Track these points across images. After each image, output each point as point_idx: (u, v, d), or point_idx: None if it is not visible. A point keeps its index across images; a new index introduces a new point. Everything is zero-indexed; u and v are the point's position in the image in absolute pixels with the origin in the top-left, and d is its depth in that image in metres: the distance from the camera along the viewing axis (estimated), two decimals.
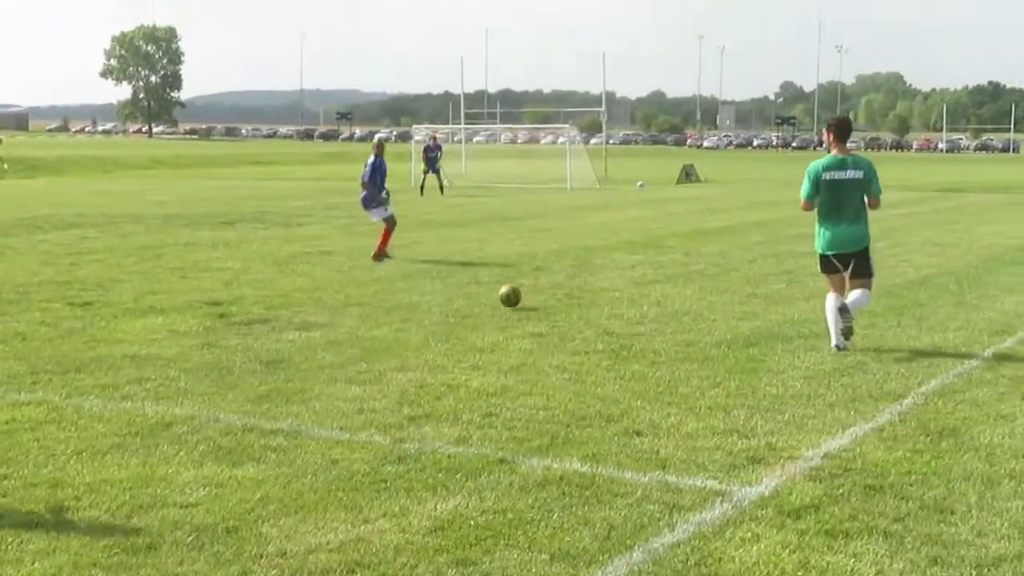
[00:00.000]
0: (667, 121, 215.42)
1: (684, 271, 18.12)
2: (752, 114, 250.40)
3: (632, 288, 15.96)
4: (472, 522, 6.43)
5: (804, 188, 11.66)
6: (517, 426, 8.46)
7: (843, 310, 11.32)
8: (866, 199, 11.69)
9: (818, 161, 11.76)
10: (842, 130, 11.80)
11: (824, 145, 12.04)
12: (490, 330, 12.48)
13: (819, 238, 11.69)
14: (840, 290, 11.58)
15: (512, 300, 13.86)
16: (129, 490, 6.91)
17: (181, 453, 7.70)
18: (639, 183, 50.44)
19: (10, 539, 6.10)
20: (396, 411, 8.89)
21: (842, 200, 11.53)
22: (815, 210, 11.73)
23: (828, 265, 11.65)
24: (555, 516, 6.54)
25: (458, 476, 7.23)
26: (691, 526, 6.43)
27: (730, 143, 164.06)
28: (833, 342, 11.47)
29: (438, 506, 6.69)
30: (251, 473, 7.28)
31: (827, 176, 11.52)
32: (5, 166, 53.26)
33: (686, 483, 7.18)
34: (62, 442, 7.95)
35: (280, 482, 7.10)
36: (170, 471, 7.31)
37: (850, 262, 11.59)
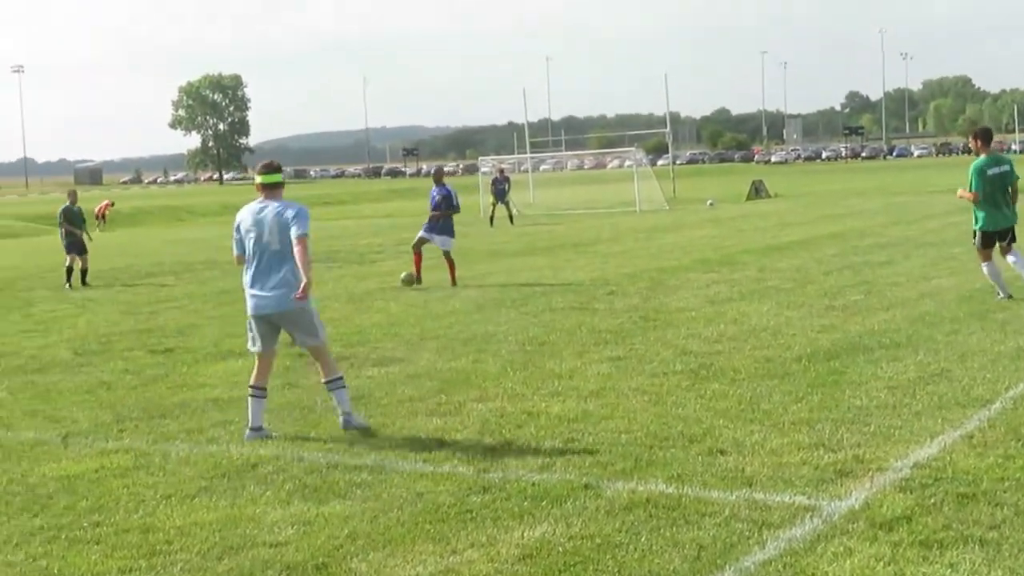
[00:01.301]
0: (733, 138, 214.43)
1: (759, 287, 17.99)
2: (819, 126, 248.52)
3: (708, 307, 15.87)
4: (560, 548, 6.41)
5: (974, 183, 14.79)
6: (600, 450, 8.43)
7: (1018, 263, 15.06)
8: (1009, 188, 15.02)
9: (979, 161, 14.90)
10: (987, 136, 15.26)
11: (973, 151, 15.45)
12: (567, 356, 12.47)
13: (982, 221, 14.91)
14: (992, 258, 14.99)
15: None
16: (219, 532, 6.98)
17: (268, 493, 7.77)
18: (709, 201, 50.25)
19: None
20: (478, 441, 8.90)
21: (997, 189, 14.89)
22: (972, 199, 14.90)
23: (989, 240, 14.95)
24: (643, 539, 6.50)
25: (544, 503, 7.22)
26: (782, 543, 6.36)
27: (798, 156, 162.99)
28: (1002, 295, 14.86)
29: (525, 534, 6.67)
30: (338, 509, 7.32)
31: (990, 172, 14.81)
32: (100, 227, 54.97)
33: (774, 499, 7.11)
34: (151, 487, 8.06)
35: (367, 517, 7.13)
36: (258, 511, 7.37)
37: (1006, 235, 15.03)
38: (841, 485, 7.34)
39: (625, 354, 12.42)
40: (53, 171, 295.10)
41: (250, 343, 9.61)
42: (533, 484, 7.62)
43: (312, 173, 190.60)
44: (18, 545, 6.93)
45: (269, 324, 9.51)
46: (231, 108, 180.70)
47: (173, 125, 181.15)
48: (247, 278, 9.48)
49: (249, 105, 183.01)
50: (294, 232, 9.20)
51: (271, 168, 9.67)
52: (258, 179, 9.62)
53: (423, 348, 13.49)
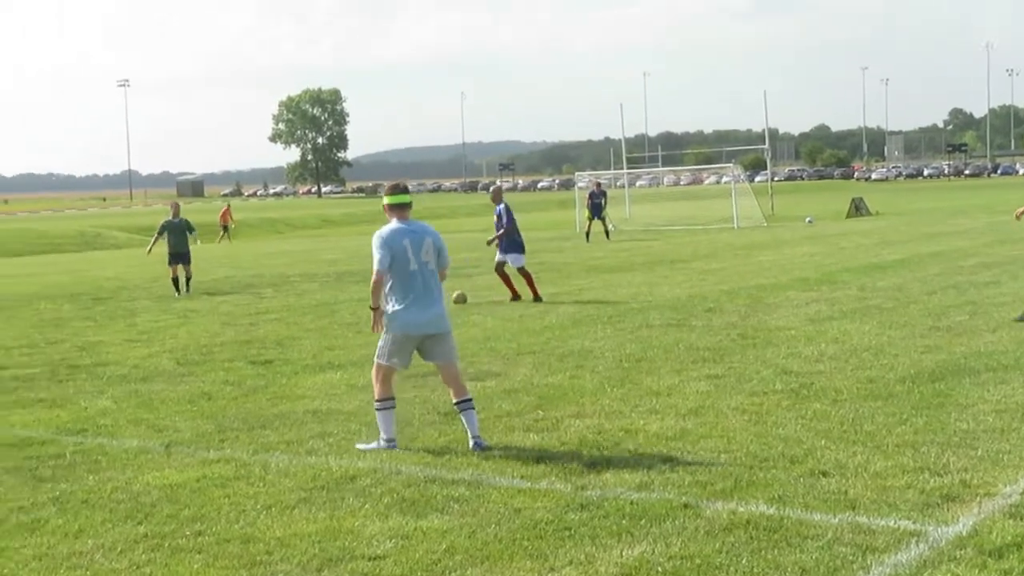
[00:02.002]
0: (833, 155, 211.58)
1: (861, 306, 17.71)
2: (921, 143, 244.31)
3: (808, 326, 15.66)
4: (659, 568, 6.34)
5: None
6: (699, 470, 8.34)
7: None
8: None
9: None
10: None
11: None
12: (665, 373, 12.37)
13: None
14: None
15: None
16: (318, 543, 7.02)
17: (367, 505, 7.80)
18: (808, 218, 49.67)
19: None
20: (575, 458, 8.85)
21: None
22: None
23: None
24: (744, 561, 6.41)
25: (642, 522, 7.15)
26: (886, 568, 6.22)
27: (899, 174, 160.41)
28: None
29: (624, 552, 6.61)
30: (436, 524, 7.32)
31: None
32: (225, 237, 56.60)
33: (878, 524, 6.96)
34: (251, 498, 8.13)
35: (465, 532, 7.12)
36: (357, 524, 7.40)
37: None
38: (948, 510, 7.18)
39: (724, 372, 12.30)
40: (156, 183, 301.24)
41: (387, 358, 9.56)
42: (631, 502, 7.56)
43: (409, 187, 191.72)
44: (122, 552, 7.04)
45: (416, 342, 9.56)
46: (330, 122, 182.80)
47: (273, 139, 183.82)
48: (400, 297, 9.43)
49: (348, 119, 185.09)
50: (444, 262, 9.65)
51: (403, 189, 9.89)
52: (390, 200, 9.74)
53: (519, 363, 13.48)
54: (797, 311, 17.38)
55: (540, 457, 8.92)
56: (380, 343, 9.60)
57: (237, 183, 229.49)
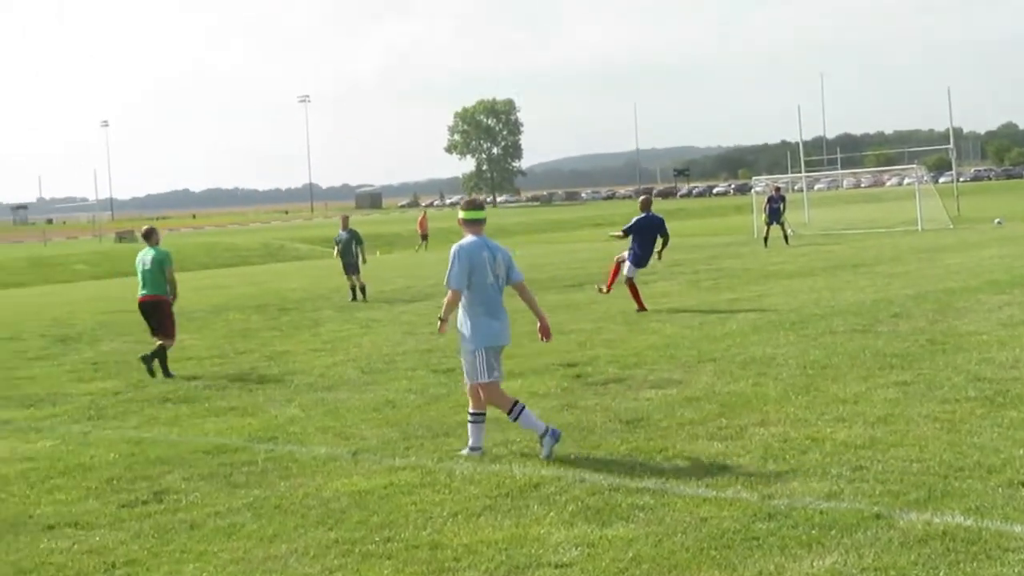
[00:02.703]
0: (1021, 153, 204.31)
1: None
2: None
3: (1001, 330, 15.11)
4: None
5: None
6: (890, 479, 8.11)
7: None
8: None
9: None
10: None
11: None
12: (851, 380, 12.09)
13: None
14: None
15: None
16: (505, 551, 7.05)
17: (551, 513, 7.81)
18: (996, 220, 48.00)
19: None
20: (761, 467, 8.72)
21: None
22: None
23: None
24: (942, 574, 6.21)
25: (832, 532, 6.99)
26: None
27: None
28: None
29: (814, 563, 6.48)
30: (621, 532, 7.28)
31: None
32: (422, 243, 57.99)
33: None
34: (437, 504, 8.23)
35: (651, 541, 7.07)
36: (542, 531, 7.42)
37: None
38: None
39: (913, 379, 11.95)
40: (336, 196, 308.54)
41: (488, 373, 9.80)
42: (821, 512, 7.40)
43: (583, 195, 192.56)
44: (315, 557, 7.20)
45: (498, 352, 9.91)
46: (504, 132, 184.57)
47: (449, 150, 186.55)
48: (482, 310, 9.81)
49: (522, 129, 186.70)
50: (516, 276, 10.01)
51: (479, 205, 10.33)
52: (466, 215, 10.13)
53: (701, 371, 13.34)
54: (988, 315, 16.79)
55: (725, 466, 8.81)
56: (473, 364, 9.83)
57: (414, 194, 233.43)
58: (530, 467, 9.15)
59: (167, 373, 15.67)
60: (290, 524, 7.98)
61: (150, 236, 16.42)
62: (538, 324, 10.16)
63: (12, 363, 18.92)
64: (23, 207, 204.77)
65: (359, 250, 27.64)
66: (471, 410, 9.90)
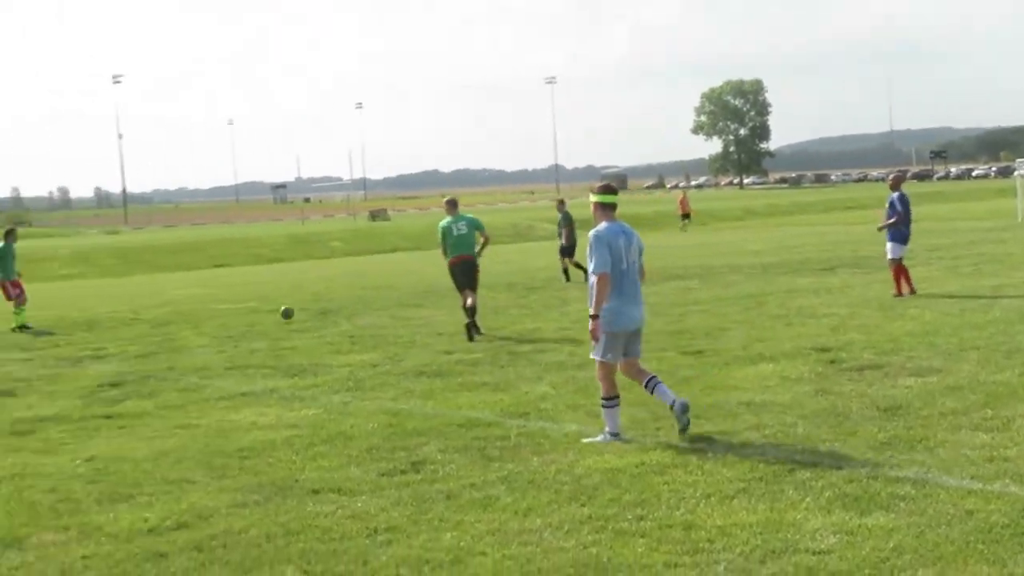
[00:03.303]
0: None
1: None
2: None
3: None
4: None
5: None
6: None
7: None
8: None
9: None
10: None
11: None
12: None
13: None
14: None
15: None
16: (760, 534, 6.97)
17: (807, 499, 7.66)
18: None
19: None
20: None
21: None
22: None
23: None
24: None
25: None
26: None
27: None
28: None
29: None
30: (881, 521, 7.09)
31: None
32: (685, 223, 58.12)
33: None
34: (690, 485, 8.19)
35: (912, 532, 6.85)
36: (798, 517, 7.29)
37: None
38: None
39: None
40: (580, 177, 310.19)
41: (602, 354, 9.85)
42: None
43: (833, 177, 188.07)
44: (569, 532, 7.27)
45: (626, 338, 9.94)
46: (752, 113, 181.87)
47: (695, 131, 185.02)
48: (615, 294, 9.74)
49: (770, 110, 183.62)
50: (641, 263, 10.05)
51: (612, 189, 10.25)
52: (600, 198, 10.09)
53: (962, 359, 12.84)
54: None
55: (991, 458, 8.46)
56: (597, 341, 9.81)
57: (659, 175, 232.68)
58: (783, 452, 9.00)
59: (479, 330, 17.53)
60: (543, 499, 8.08)
61: (456, 205, 18.46)
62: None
63: (277, 334, 19.80)
64: (282, 186, 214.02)
65: (563, 232, 28.75)
66: (603, 395, 9.94)
